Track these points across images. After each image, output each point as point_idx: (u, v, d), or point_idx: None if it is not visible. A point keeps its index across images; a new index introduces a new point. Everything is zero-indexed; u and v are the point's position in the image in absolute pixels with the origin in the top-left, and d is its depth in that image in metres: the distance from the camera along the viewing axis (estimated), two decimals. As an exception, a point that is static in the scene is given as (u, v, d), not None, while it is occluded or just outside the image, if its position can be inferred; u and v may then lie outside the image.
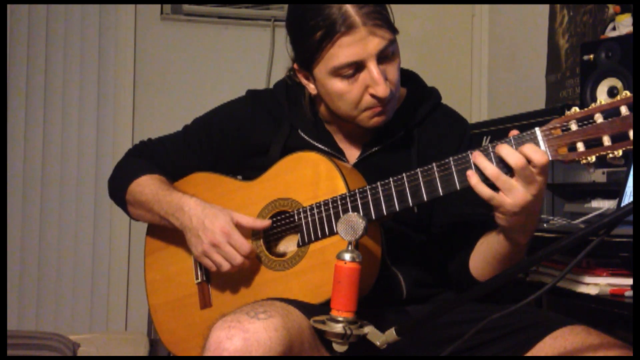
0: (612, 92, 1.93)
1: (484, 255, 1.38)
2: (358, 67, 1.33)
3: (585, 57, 2.00)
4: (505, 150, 1.15)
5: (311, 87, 1.45)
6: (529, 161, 1.14)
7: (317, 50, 1.34)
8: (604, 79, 1.94)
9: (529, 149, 1.14)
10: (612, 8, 2.33)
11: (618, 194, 1.69)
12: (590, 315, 1.65)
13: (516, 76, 3.03)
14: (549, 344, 1.23)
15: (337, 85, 1.36)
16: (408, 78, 1.54)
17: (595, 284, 1.57)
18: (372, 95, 1.35)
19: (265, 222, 1.43)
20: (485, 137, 2.31)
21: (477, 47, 3.30)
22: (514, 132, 1.18)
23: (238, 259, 1.41)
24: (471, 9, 3.32)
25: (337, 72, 1.34)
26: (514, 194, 1.16)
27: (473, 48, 3.33)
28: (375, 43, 1.31)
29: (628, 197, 1.65)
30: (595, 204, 1.91)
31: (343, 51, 1.32)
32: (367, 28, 1.30)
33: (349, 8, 1.30)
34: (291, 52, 1.45)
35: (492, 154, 1.18)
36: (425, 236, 1.49)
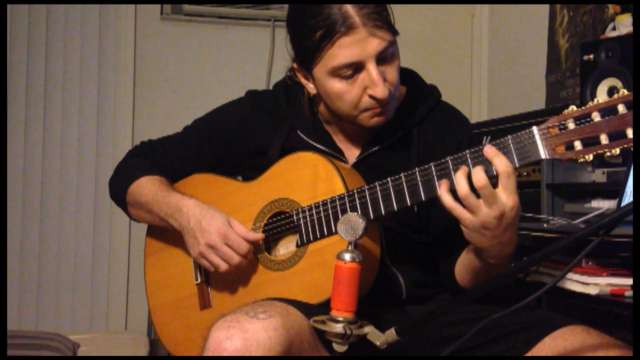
0: (612, 92, 1.92)
1: (463, 263, 1.40)
2: (357, 67, 1.33)
3: (585, 57, 1.99)
4: (475, 170, 1.16)
5: (310, 87, 1.45)
6: (496, 172, 1.15)
7: (317, 50, 1.34)
8: (604, 79, 1.94)
9: (495, 160, 1.15)
10: (612, 8, 2.33)
11: (618, 194, 1.69)
12: (590, 315, 1.65)
13: (516, 76, 3.03)
14: (549, 344, 1.23)
15: (336, 85, 1.36)
16: (407, 76, 1.54)
17: (595, 284, 1.57)
18: (371, 97, 1.35)
19: (258, 236, 1.43)
20: (485, 137, 2.31)
21: (477, 47, 3.30)
22: (489, 148, 1.18)
23: (235, 259, 1.41)
24: (471, 9, 3.32)
25: (336, 73, 1.34)
26: (476, 213, 1.17)
27: (473, 48, 3.33)
28: (374, 44, 1.31)
29: (628, 197, 1.65)
30: (595, 204, 1.91)
31: (342, 52, 1.31)
32: (367, 29, 1.30)
33: (349, 8, 1.30)
34: (291, 51, 1.45)
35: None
36: (425, 236, 1.49)
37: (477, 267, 1.34)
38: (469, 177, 1.17)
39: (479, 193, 1.16)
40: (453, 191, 1.21)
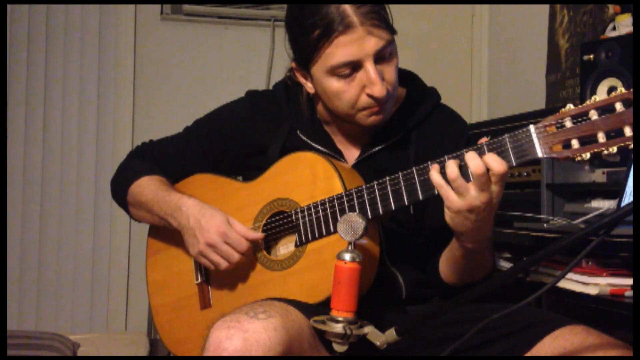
0: (611, 92, 1.91)
1: (445, 256, 1.42)
2: (355, 66, 1.33)
3: (585, 57, 1.99)
4: (469, 156, 1.18)
5: (309, 86, 1.45)
6: (488, 169, 1.16)
7: (315, 49, 1.34)
8: (604, 79, 1.94)
9: (489, 157, 1.16)
10: (612, 8, 2.33)
11: (618, 194, 1.69)
12: (590, 315, 1.65)
13: (516, 76, 3.03)
14: (549, 344, 1.23)
15: (334, 84, 1.36)
16: (407, 78, 1.54)
17: (595, 284, 1.57)
18: (369, 95, 1.35)
19: (258, 235, 1.44)
20: (485, 137, 2.31)
21: (477, 47, 3.30)
22: (484, 140, 1.19)
23: (235, 257, 1.42)
24: (471, 9, 3.32)
25: (334, 72, 1.34)
26: (464, 196, 1.18)
27: (473, 48, 3.33)
28: (372, 43, 1.31)
29: (628, 197, 1.65)
30: (595, 204, 1.91)
31: (340, 50, 1.31)
32: (365, 28, 1.30)
33: (347, 7, 1.30)
34: (290, 50, 1.45)
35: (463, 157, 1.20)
36: (422, 238, 1.49)
37: (456, 256, 1.36)
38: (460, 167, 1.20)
39: (474, 179, 1.17)
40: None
